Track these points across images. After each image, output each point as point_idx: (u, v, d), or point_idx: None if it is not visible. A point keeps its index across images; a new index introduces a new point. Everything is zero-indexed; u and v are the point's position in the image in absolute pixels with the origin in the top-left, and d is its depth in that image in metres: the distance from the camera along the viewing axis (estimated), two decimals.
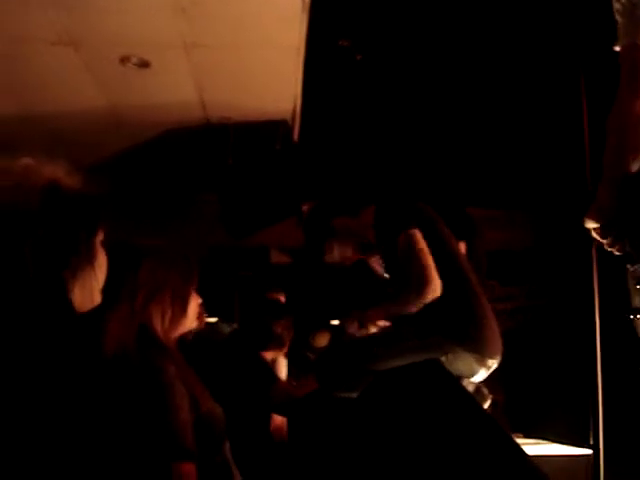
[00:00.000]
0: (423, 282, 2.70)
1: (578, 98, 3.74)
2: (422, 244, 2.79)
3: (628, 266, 1.89)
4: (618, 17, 2.10)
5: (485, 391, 2.90)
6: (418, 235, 2.82)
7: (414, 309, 2.72)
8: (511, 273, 5.73)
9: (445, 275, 2.77)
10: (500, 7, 3.73)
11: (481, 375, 2.81)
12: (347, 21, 3.83)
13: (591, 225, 1.95)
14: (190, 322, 2.05)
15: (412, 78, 4.32)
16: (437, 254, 2.81)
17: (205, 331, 3.42)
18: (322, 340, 3.87)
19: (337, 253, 3.11)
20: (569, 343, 4.79)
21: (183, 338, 2.08)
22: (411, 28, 3.95)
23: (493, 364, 2.81)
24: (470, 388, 2.79)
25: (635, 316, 1.84)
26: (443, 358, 2.69)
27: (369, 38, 4.00)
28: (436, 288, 2.70)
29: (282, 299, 4.39)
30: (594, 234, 1.98)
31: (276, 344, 3.42)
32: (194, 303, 2.06)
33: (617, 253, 1.96)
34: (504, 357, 2.82)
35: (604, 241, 1.97)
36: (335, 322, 3.72)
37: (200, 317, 2.54)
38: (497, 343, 2.83)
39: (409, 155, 4.88)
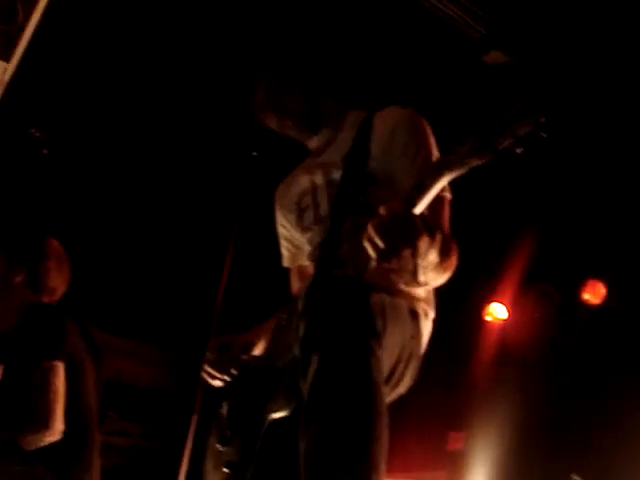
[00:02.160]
0: (45, 424, 2.54)
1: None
2: (59, 381, 2.60)
3: (218, 446, 1.98)
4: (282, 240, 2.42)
5: None
6: (60, 370, 2.62)
7: (31, 446, 2.54)
8: (133, 408, 5.64)
9: (69, 412, 2.63)
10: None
11: None
12: (42, 113, 3.79)
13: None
14: None
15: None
16: (69, 388, 2.66)
17: None
18: None
19: None
20: None
21: None
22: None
23: None
24: None
25: None
26: None
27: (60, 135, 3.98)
28: (56, 433, 2.55)
29: None
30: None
31: None
32: None
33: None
34: None
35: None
36: None
37: None
38: None
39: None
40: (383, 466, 1.59)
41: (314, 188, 2.25)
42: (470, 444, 5.15)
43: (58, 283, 2.97)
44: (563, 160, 4.56)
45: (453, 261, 1.93)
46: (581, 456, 4.45)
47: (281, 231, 2.46)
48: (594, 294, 4.86)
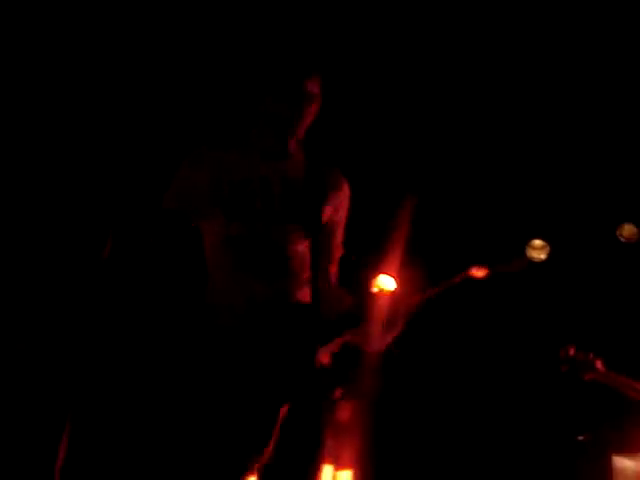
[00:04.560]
0: None
1: None
2: None
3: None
4: None
5: None
6: None
7: None
8: None
9: None
10: None
11: None
12: None
13: None
14: None
15: None
16: None
17: None
18: None
19: None
20: None
21: None
22: None
23: None
24: None
25: None
26: None
27: None
28: None
29: None
30: None
31: None
32: None
33: None
34: None
35: None
36: None
37: None
38: None
39: None
40: None
41: (267, 180, 2.24)
42: None
43: None
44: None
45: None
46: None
47: (188, 180, 2.25)
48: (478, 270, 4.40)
